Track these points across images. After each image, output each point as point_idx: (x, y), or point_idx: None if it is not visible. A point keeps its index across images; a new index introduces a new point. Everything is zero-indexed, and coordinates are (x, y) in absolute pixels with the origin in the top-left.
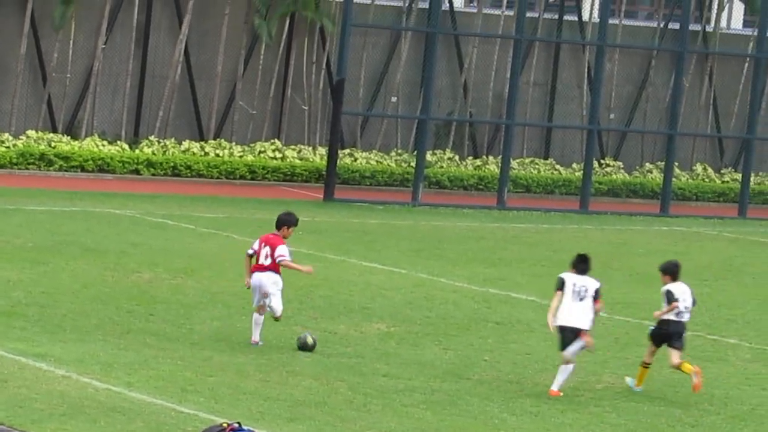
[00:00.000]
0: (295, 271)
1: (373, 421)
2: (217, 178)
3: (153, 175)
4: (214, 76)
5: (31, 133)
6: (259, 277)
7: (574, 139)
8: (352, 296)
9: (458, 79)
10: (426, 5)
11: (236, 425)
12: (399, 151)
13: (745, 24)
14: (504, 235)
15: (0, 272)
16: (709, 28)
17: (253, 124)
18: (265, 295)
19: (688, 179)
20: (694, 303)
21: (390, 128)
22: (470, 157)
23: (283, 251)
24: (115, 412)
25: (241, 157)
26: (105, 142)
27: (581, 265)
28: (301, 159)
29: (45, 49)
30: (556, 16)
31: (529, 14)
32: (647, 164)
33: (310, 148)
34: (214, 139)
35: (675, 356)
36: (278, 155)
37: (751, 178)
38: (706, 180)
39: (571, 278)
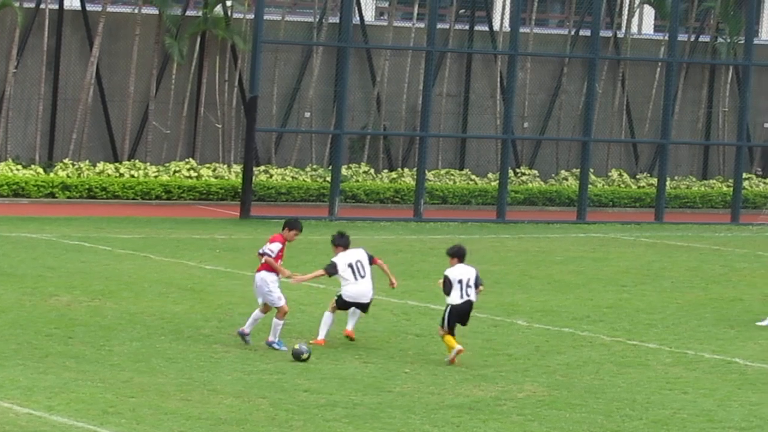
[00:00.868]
0: (278, 271)
1: None
2: (133, 198)
3: (68, 198)
4: (127, 97)
5: None
6: (256, 278)
7: (489, 149)
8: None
9: (371, 92)
10: (337, 20)
11: None
12: (314, 166)
13: (656, 29)
14: (421, 247)
15: None
16: (621, 34)
17: (168, 144)
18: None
19: (603, 185)
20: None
21: (304, 144)
22: (386, 170)
23: (271, 247)
24: None
25: (156, 177)
26: (19, 166)
27: (340, 239)
28: (216, 177)
29: None
30: (467, 27)
31: (440, 26)
32: (563, 172)
33: (225, 166)
34: (129, 160)
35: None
36: (193, 174)
37: (667, 183)
38: (622, 186)
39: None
